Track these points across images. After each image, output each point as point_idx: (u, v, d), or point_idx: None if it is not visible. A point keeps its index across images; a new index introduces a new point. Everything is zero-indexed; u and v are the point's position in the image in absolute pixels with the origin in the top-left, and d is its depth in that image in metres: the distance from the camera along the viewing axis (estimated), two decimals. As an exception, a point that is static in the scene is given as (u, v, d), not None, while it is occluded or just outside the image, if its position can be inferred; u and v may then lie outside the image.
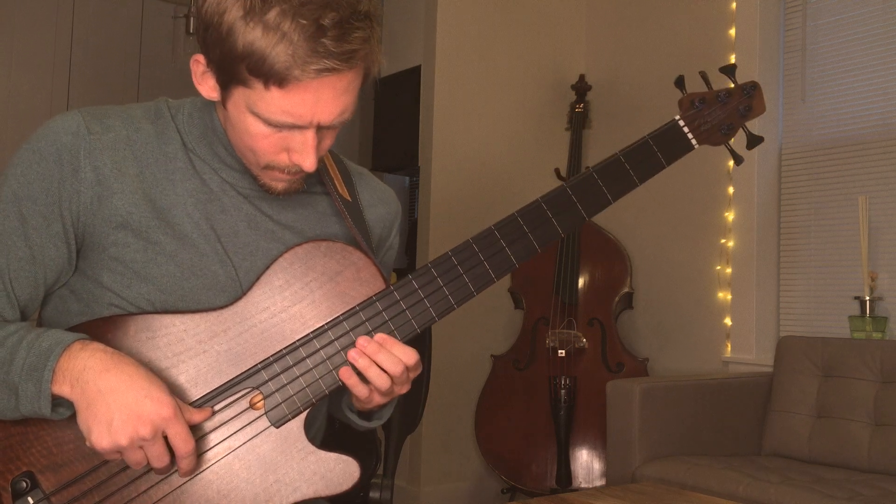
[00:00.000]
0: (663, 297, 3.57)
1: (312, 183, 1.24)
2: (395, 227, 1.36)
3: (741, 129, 1.30)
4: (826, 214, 3.13)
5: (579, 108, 3.84)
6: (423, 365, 1.56)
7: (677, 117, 1.25)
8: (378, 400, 1.12)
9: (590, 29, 4.03)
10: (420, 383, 1.61)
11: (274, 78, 1.01)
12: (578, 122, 3.83)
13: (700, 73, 1.29)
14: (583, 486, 3.36)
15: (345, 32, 1.01)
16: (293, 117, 1.04)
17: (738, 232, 3.30)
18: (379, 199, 1.33)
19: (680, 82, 1.29)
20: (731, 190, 3.33)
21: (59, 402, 1.02)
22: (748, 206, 3.26)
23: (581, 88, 3.85)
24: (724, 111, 1.27)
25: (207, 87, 1.10)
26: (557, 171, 3.80)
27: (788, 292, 3.24)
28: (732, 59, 3.29)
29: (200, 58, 1.09)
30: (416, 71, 3.83)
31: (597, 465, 3.37)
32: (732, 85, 1.29)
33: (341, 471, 1.09)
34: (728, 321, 3.31)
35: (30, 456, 1.03)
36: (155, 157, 1.14)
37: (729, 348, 3.30)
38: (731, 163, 3.31)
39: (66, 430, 1.04)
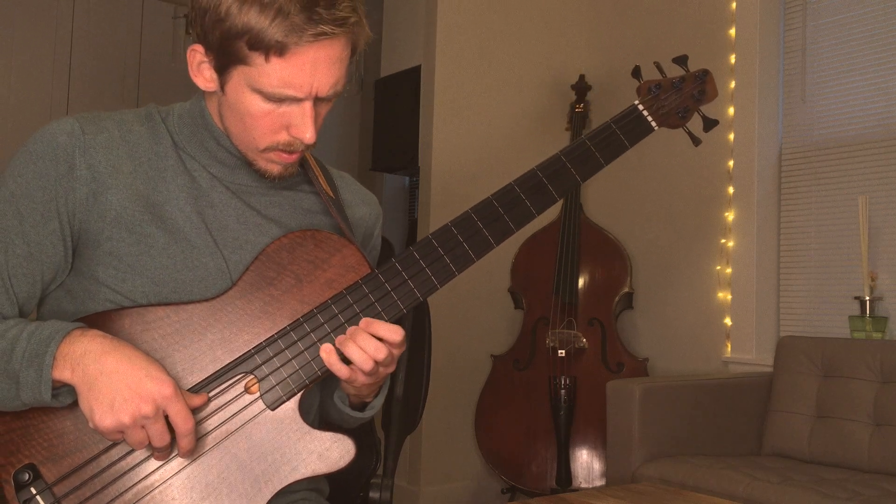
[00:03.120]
0: (663, 297, 3.57)
1: (299, 182, 1.29)
2: (377, 228, 1.41)
3: (697, 114, 1.38)
4: (826, 214, 3.13)
5: (579, 108, 3.84)
6: (424, 362, 1.55)
7: (636, 102, 1.33)
8: (363, 379, 1.13)
9: (590, 29, 4.03)
10: (420, 383, 1.61)
11: (274, 48, 1.07)
12: (578, 122, 3.83)
13: (655, 63, 1.38)
14: (583, 486, 3.37)
15: (335, 2, 1.09)
16: (293, 88, 1.09)
17: (738, 232, 3.30)
18: (361, 199, 1.38)
19: (636, 72, 1.39)
20: (731, 190, 3.33)
21: (58, 390, 1.04)
22: (748, 206, 3.26)
23: (581, 88, 3.85)
24: (680, 96, 1.36)
25: (204, 77, 1.15)
26: (557, 172, 3.80)
27: (788, 292, 3.24)
28: (732, 60, 3.30)
29: (198, 46, 1.14)
30: (416, 71, 3.83)
31: (597, 465, 3.37)
32: (685, 73, 1.38)
33: (338, 448, 1.11)
34: (728, 321, 3.31)
35: (31, 448, 1.05)
36: (147, 155, 1.18)
37: (729, 348, 3.30)
38: (731, 162, 3.32)
39: (66, 421, 1.06)
